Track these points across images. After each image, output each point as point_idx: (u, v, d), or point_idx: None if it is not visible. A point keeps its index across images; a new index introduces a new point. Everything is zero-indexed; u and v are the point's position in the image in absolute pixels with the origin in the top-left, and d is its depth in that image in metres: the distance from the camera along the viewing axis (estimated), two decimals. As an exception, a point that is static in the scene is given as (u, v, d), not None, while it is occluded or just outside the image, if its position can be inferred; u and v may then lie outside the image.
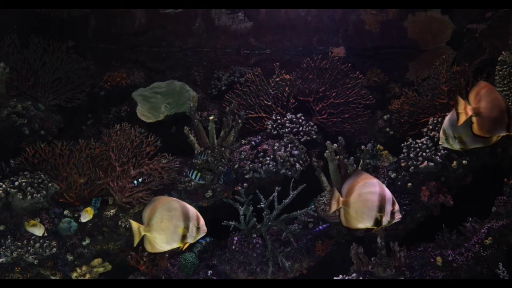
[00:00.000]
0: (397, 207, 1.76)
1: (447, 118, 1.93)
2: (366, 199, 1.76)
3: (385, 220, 1.75)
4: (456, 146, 1.93)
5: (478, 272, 2.23)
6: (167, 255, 2.48)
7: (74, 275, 2.47)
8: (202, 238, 2.60)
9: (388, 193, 1.76)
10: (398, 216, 1.76)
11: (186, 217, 1.81)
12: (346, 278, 2.27)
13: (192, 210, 1.84)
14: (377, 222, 1.75)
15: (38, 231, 2.36)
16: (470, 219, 2.36)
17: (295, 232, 2.45)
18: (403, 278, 2.23)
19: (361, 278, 2.25)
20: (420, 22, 3.15)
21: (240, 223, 2.48)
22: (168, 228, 1.80)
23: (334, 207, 1.82)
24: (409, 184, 2.49)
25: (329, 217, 2.45)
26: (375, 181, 1.79)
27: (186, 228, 1.80)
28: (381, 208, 1.74)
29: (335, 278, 2.29)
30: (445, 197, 2.38)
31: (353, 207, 1.78)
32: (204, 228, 1.84)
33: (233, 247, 2.47)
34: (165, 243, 1.82)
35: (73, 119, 3.08)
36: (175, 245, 1.83)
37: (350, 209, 1.79)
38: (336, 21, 3.23)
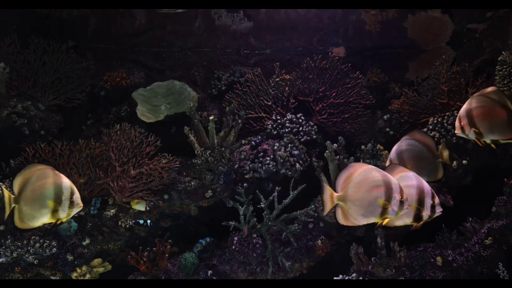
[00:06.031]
0: (437, 199, 1.64)
1: (465, 105, 1.80)
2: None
3: (426, 214, 1.62)
4: (472, 136, 1.81)
5: (478, 272, 2.23)
6: (166, 255, 2.48)
7: (74, 275, 2.47)
8: (202, 238, 2.64)
9: (426, 186, 1.64)
10: (439, 210, 1.64)
11: (388, 188, 1.53)
12: (346, 278, 2.27)
13: (394, 180, 1.56)
14: (418, 217, 1.63)
15: (142, 206, 2.49)
16: (470, 219, 2.36)
17: (295, 232, 2.45)
18: (403, 278, 2.23)
19: (361, 278, 2.25)
20: (420, 22, 3.15)
21: (240, 223, 2.48)
22: (365, 198, 1.55)
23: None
24: (409, 184, 2.48)
25: (329, 216, 2.44)
26: (411, 174, 1.67)
27: (388, 200, 1.52)
28: (420, 202, 1.62)
29: (335, 278, 2.29)
30: (445, 197, 2.38)
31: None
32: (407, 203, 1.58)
33: (233, 247, 2.47)
34: (361, 215, 1.58)
35: (73, 119, 3.08)
36: (373, 219, 1.57)
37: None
38: (336, 21, 3.23)
